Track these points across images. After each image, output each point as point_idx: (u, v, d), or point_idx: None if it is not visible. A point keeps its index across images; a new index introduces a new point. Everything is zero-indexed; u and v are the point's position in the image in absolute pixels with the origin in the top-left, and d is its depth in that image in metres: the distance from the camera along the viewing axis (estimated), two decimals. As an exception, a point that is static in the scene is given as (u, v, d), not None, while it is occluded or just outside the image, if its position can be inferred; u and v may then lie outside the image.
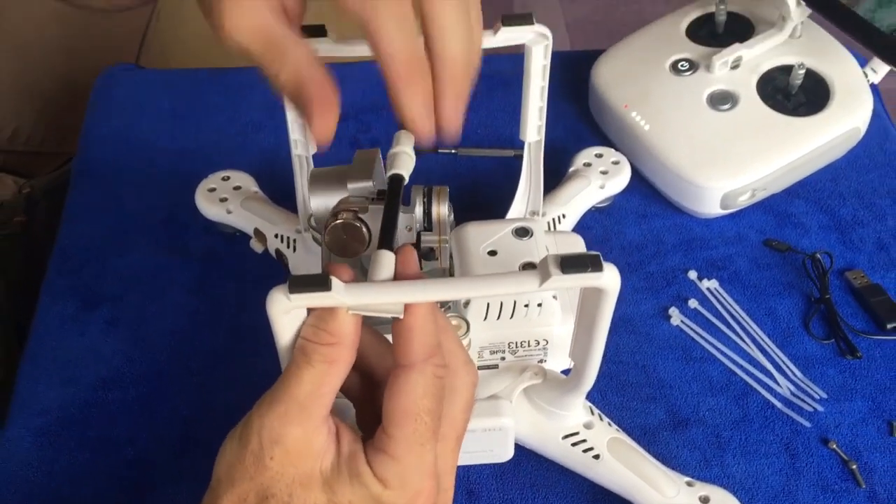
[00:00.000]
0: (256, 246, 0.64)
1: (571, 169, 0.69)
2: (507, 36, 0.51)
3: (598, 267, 0.38)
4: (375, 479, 0.37)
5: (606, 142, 0.74)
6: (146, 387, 0.60)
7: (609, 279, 0.38)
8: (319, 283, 0.37)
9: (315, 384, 0.37)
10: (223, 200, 0.66)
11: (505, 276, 0.39)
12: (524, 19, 0.51)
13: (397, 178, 0.41)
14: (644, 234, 0.70)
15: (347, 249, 0.48)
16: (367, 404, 0.41)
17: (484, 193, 0.73)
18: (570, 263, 0.37)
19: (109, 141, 0.77)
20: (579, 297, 0.44)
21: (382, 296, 0.39)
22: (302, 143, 0.56)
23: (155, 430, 0.59)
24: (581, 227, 0.68)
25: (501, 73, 0.80)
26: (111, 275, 0.67)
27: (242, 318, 0.64)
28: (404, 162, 0.42)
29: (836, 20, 0.65)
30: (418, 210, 0.50)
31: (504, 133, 0.77)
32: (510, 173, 0.74)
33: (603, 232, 0.70)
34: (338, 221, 0.47)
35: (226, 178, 0.67)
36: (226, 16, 0.38)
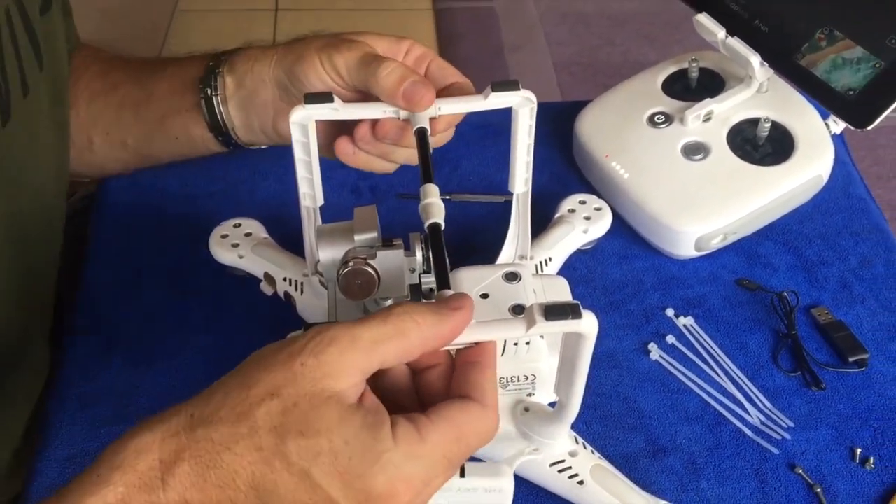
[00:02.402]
0: (266, 289, 0.69)
1: (557, 215, 0.75)
2: (497, 100, 0.57)
3: (577, 315, 0.43)
4: (390, 435, 0.38)
5: (589, 188, 0.80)
6: (165, 421, 0.65)
7: (587, 325, 0.43)
8: None
9: (379, 337, 0.39)
10: (235, 246, 0.71)
11: (496, 323, 0.44)
12: (512, 85, 0.57)
13: (436, 226, 0.48)
14: (625, 274, 0.75)
15: (359, 293, 0.53)
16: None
17: (476, 236, 0.78)
18: (553, 312, 0.42)
19: (124, 190, 0.81)
20: (562, 339, 0.49)
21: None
22: (310, 196, 0.61)
23: (173, 461, 0.63)
24: (567, 269, 0.73)
25: (492, 124, 0.86)
26: (131, 316, 0.71)
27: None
28: (438, 211, 0.48)
29: (796, 80, 0.71)
30: (419, 254, 0.55)
31: (495, 179, 0.83)
32: (500, 217, 0.79)
33: (587, 272, 0.75)
34: (349, 269, 0.52)
35: (237, 225, 0.72)
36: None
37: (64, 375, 0.68)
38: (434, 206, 0.49)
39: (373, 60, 0.57)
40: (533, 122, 0.59)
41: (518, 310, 0.58)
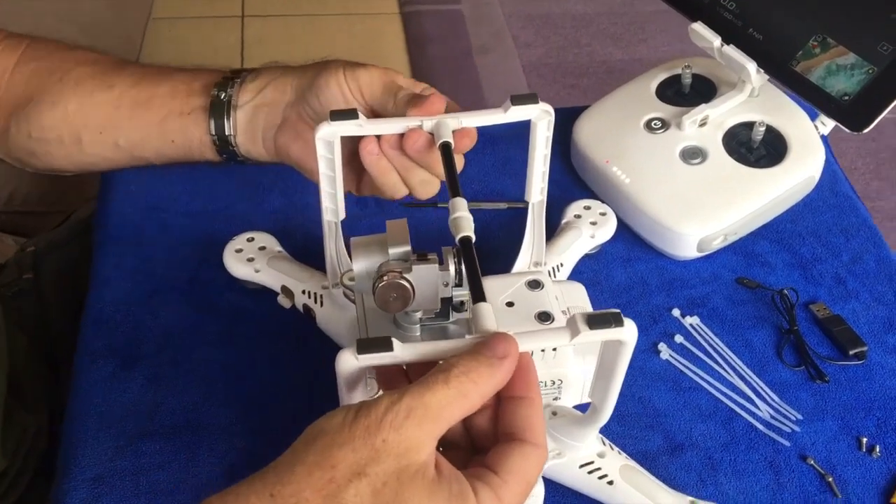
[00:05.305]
0: (284, 302, 0.70)
1: (564, 221, 0.76)
2: (516, 113, 0.58)
3: (619, 323, 0.45)
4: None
5: (589, 193, 0.81)
6: (189, 436, 0.65)
7: (628, 333, 0.45)
8: (384, 345, 0.44)
9: (445, 402, 0.40)
10: (250, 260, 0.71)
11: (542, 333, 0.46)
12: (531, 99, 0.58)
13: (467, 239, 0.49)
14: (630, 276, 0.77)
15: (393, 305, 0.54)
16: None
17: (481, 243, 0.79)
18: (596, 321, 0.44)
19: (127, 207, 0.81)
20: (600, 347, 0.50)
21: (434, 354, 0.45)
22: (332, 211, 0.61)
23: (199, 476, 0.63)
24: (574, 273, 0.75)
25: (490, 132, 0.86)
26: (145, 334, 0.71)
27: (273, 369, 0.69)
28: (467, 224, 0.49)
29: (792, 86, 0.74)
30: (451, 268, 0.56)
31: (495, 187, 0.84)
32: (503, 224, 0.81)
33: (593, 276, 0.77)
34: (385, 282, 0.53)
35: (250, 239, 0.73)
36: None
37: (84, 396, 0.67)
38: (464, 219, 0.50)
39: (399, 88, 0.60)
40: (550, 135, 0.61)
41: (543, 316, 0.59)
